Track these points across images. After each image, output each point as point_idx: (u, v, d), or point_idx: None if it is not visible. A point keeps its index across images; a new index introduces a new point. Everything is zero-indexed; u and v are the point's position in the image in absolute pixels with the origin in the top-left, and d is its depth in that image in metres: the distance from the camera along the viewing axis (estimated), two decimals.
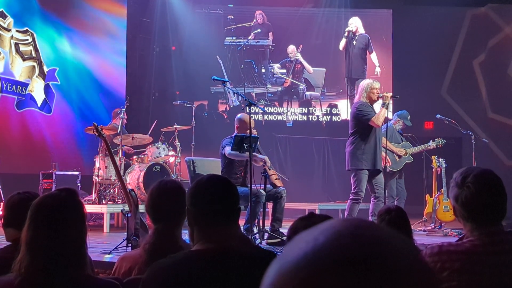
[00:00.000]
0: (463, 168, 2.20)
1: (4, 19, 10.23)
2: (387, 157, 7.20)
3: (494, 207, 2.11)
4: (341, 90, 12.26)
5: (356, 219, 0.71)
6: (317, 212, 10.11)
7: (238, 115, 6.72)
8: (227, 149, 6.32)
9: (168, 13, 12.02)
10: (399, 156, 8.04)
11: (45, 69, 10.70)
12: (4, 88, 10.07)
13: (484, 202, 2.08)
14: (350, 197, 6.66)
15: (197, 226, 1.98)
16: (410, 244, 0.69)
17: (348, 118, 7.33)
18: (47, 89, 10.69)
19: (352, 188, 6.64)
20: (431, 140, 8.33)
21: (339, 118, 12.17)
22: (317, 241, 0.66)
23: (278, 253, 5.33)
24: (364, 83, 6.83)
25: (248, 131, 6.12)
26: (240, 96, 9.96)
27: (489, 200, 2.09)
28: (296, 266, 0.66)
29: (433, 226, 8.07)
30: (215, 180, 2.06)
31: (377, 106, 6.90)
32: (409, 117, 8.32)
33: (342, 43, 11.80)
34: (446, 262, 2.06)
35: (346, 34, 10.91)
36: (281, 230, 6.40)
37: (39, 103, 10.57)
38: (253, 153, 6.14)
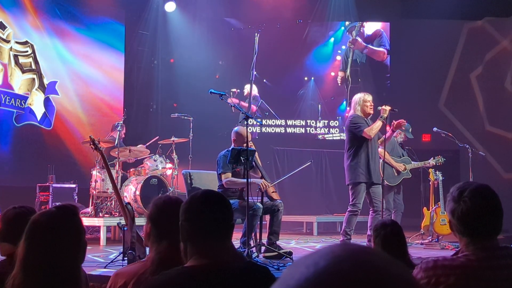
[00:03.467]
0: (460, 182, 2.21)
1: (3, 30, 10.04)
2: (382, 171, 7.19)
3: (490, 222, 2.11)
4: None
5: (354, 245, 0.73)
6: (315, 225, 10.10)
7: (235, 128, 6.72)
8: (224, 178, 6.33)
9: (164, 26, 12.08)
10: (398, 172, 8.04)
11: (45, 81, 10.52)
12: (3, 102, 9.87)
13: (479, 217, 2.08)
14: (348, 209, 6.68)
15: (190, 241, 1.97)
16: (407, 271, 0.72)
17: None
18: (47, 102, 10.49)
19: (350, 200, 6.66)
20: (432, 158, 8.36)
21: (337, 131, 12.20)
22: (318, 266, 0.68)
23: (274, 267, 5.31)
24: (356, 97, 6.90)
25: (245, 143, 6.13)
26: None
27: (484, 215, 2.09)
28: None
29: (430, 239, 8.05)
30: (209, 196, 2.05)
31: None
32: (410, 130, 8.36)
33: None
34: (441, 277, 2.06)
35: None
36: (278, 243, 6.38)
37: (39, 116, 10.38)
38: (251, 179, 6.18)
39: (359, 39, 12.19)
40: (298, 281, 0.67)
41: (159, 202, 2.60)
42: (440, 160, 8.30)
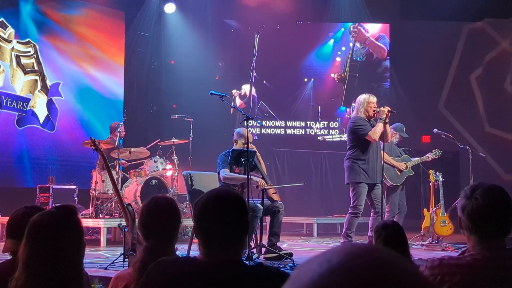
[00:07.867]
0: (475, 182, 2.23)
1: (5, 30, 9.86)
2: (385, 174, 7.18)
3: (499, 222, 2.11)
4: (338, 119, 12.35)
5: (364, 244, 0.75)
6: (315, 226, 10.10)
7: (237, 129, 6.74)
8: (221, 173, 6.34)
9: (164, 27, 12.08)
10: (400, 171, 8.04)
11: (48, 83, 10.32)
12: (4, 104, 9.65)
13: (489, 215, 2.09)
14: (349, 211, 6.63)
15: (200, 240, 1.94)
16: (417, 268, 0.73)
17: (345, 134, 7.37)
18: (50, 104, 10.29)
19: (351, 202, 6.62)
20: (430, 152, 8.36)
21: (336, 132, 12.20)
22: (331, 263, 0.69)
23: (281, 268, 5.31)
24: (361, 98, 6.84)
25: (246, 145, 6.14)
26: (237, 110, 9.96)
27: (494, 214, 2.09)
28: (313, 287, 0.68)
29: (430, 241, 8.05)
30: (224, 199, 1.97)
31: None
32: (404, 129, 8.35)
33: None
34: (446, 275, 2.06)
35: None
36: (278, 244, 6.38)
37: (41, 119, 10.17)
38: (251, 176, 6.19)
39: (362, 29, 12.21)
40: (312, 278, 0.68)
41: (148, 202, 2.62)
42: (438, 153, 8.30)
